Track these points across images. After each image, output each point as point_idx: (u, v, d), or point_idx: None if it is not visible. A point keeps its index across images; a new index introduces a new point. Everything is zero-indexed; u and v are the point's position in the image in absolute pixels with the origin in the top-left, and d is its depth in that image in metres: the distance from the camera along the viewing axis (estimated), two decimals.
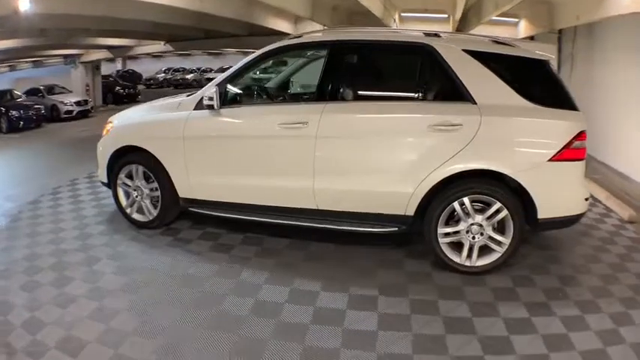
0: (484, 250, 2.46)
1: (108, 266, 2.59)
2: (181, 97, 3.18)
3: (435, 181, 2.36)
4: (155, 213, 3.09)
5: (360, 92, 2.60)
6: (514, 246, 2.40)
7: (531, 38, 9.27)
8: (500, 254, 2.43)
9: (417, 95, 2.48)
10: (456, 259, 2.48)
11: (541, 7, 6.67)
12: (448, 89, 2.39)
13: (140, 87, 18.86)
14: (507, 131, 2.30)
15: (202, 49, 20.20)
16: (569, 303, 2.18)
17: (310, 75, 2.91)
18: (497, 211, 2.36)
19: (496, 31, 9.56)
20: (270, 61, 3.35)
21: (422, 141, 2.37)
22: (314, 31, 2.89)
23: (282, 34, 15.63)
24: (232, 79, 2.78)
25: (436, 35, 2.50)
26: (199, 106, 2.78)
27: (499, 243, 2.42)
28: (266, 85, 3.26)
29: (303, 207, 2.68)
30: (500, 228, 2.42)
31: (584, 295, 2.26)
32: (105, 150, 3.22)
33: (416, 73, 2.50)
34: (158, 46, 17.75)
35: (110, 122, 3.28)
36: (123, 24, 10.04)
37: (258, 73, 3.57)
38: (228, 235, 3.01)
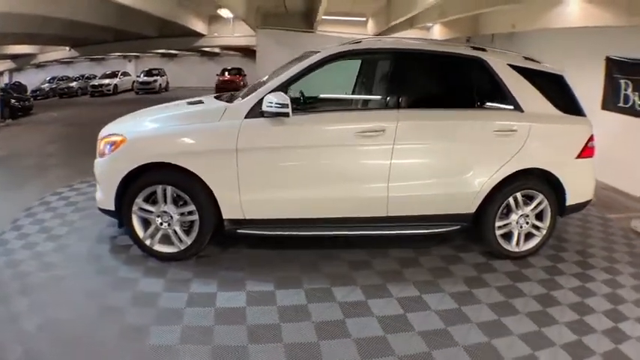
0: (527, 236, 3.15)
1: (174, 329, 2.16)
2: (217, 103, 3.00)
3: (498, 180, 2.93)
4: (189, 241, 2.86)
5: (426, 99, 2.99)
6: (550, 230, 3.15)
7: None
8: (540, 238, 3.14)
9: (475, 103, 3.01)
10: (507, 247, 3.11)
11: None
12: (499, 98, 2.99)
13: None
14: (549, 135, 3.02)
15: (108, 52, 20.18)
16: (597, 271, 3.01)
17: (370, 81, 3.15)
18: (540, 203, 3.08)
19: (409, 33, 11.22)
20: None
21: (488, 144, 2.90)
22: (367, 37, 3.14)
23: (193, 35, 15.23)
24: (289, 84, 2.81)
25: (483, 49, 3.09)
26: (253, 113, 2.72)
27: (538, 229, 3.14)
28: (329, 92, 3.34)
29: (373, 215, 2.92)
30: (538, 216, 3.15)
31: (602, 263, 3.14)
32: (112, 170, 2.80)
33: (472, 83, 3.03)
34: (63, 52, 16.64)
35: (115, 135, 2.85)
36: (49, 25, 9.65)
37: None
38: (280, 257, 3.00)
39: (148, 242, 2.88)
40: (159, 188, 2.78)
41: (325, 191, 2.80)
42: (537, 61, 3.19)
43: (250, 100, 2.74)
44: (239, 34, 14.82)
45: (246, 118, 2.72)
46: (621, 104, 4.89)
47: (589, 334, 2.27)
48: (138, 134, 2.84)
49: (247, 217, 2.83)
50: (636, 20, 4.06)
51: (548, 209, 3.09)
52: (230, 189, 2.75)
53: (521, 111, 2.97)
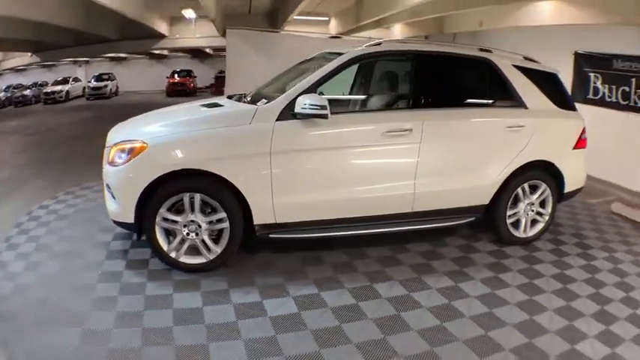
0: (532, 223, 3.50)
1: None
2: (242, 105, 2.99)
3: (509, 173, 3.24)
4: (219, 250, 2.84)
5: (445, 99, 3.22)
6: (552, 216, 3.54)
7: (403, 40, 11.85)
8: (543, 224, 3.52)
9: (487, 102, 3.30)
10: (516, 233, 3.45)
11: None
12: (506, 96, 3.32)
13: None
14: (550, 129, 3.40)
15: (69, 57, 20.46)
16: (596, 250, 3.44)
17: (392, 81, 3.33)
18: (543, 191, 3.45)
19: (372, 33, 11.72)
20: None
21: (502, 140, 3.21)
22: (389, 40, 3.31)
23: (155, 37, 15.21)
24: (318, 86, 2.88)
25: (489, 51, 3.40)
26: (284, 115, 2.77)
27: (541, 215, 3.52)
28: (355, 92, 3.43)
29: (400, 212, 3.09)
30: (541, 204, 3.52)
31: (597, 243, 3.58)
32: (132, 180, 2.70)
33: (483, 83, 3.32)
34: (24, 59, 17.10)
35: (132, 142, 2.74)
36: (18, 28, 10.02)
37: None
38: (309, 259, 3.08)
39: (173, 255, 2.81)
40: (186, 196, 2.73)
41: (357, 191, 2.93)
42: (535, 61, 3.57)
43: (281, 102, 2.78)
44: (200, 35, 15.02)
45: (277, 120, 2.75)
46: (591, 96, 5.54)
47: (609, 304, 2.64)
48: (161, 139, 2.74)
49: (279, 221, 2.86)
50: (615, 18, 4.61)
51: (550, 197, 3.48)
52: (263, 193, 2.77)
53: (526, 108, 3.32)
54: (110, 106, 17.00)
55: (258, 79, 7.31)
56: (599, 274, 3.04)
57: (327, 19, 13.38)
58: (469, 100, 3.31)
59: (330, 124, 2.79)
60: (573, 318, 2.47)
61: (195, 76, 23.50)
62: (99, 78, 21.86)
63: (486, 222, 3.41)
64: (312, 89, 2.81)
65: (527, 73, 3.38)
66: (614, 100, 5.21)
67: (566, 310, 2.56)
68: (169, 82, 21.88)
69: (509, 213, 3.37)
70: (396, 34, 12.22)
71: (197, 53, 26.09)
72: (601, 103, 5.42)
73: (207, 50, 24.81)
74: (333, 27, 13.01)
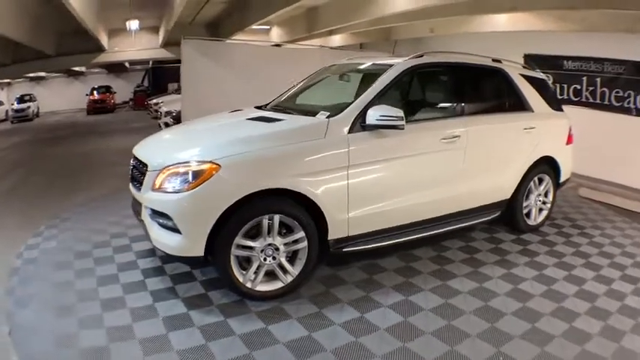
0: (539, 211, 4.30)
1: None
2: (307, 119, 3.11)
3: (526, 169, 3.97)
4: (297, 271, 2.97)
5: (476, 106, 3.79)
6: (553, 204, 4.39)
7: (341, 47, 12.71)
8: (547, 211, 4.35)
9: (508, 107, 3.97)
10: (528, 222, 4.20)
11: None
12: (519, 102, 4.04)
13: None
14: (551, 129, 4.22)
15: (6, 77, 21.20)
16: (590, 229, 4.36)
17: (439, 91, 3.80)
18: (547, 183, 4.26)
19: (311, 42, 12.36)
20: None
21: (521, 140, 3.93)
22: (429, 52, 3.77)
23: (94, 51, 14.83)
24: (380, 97, 3.15)
25: (499, 61, 4.07)
26: (354, 127, 3.02)
27: (545, 204, 4.33)
28: (407, 102, 3.74)
29: (446, 213, 3.58)
30: (545, 194, 4.32)
31: (587, 223, 4.53)
32: (205, 207, 2.66)
33: (502, 90, 4.00)
34: None
35: (194, 163, 2.69)
36: None
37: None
38: (367, 269, 3.38)
39: (249, 284, 2.84)
40: (265, 219, 2.79)
41: (422, 196, 3.34)
42: (531, 69, 4.37)
43: (350, 114, 3.03)
44: (141, 48, 14.81)
45: (349, 132, 2.99)
46: None
47: (627, 269, 3.47)
48: (235, 159, 2.71)
49: (351, 234, 3.10)
50: (568, 26, 5.70)
51: (551, 187, 4.31)
52: (340, 208, 2.98)
53: (532, 111, 4.08)
54: (37, 129, 17.13)
55: (215, 90, 7.30)
56: (604, 247, 3.91)
57: (268, 27, 13.68)
58: (495, 106, 3.97)
59: (396, 133, 3.09)
60: (609, 283, 3.22)
61: (114, 92, 24.19)
62: (21, 100, 22.38)
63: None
64: (375, 100, 3.11)
65: (529, 80, 4.15)
66: (565, 97, 6.46)
67: (599, 278, 3.31)
68: (90, 100, 22.54)
69: (525, 204, 4.09)
70: (336, 41, 12.91)
71: (113, 68, 26.23)
72: None
73: (126, 64, 24.94)
74: (276, 35, 13.31)
